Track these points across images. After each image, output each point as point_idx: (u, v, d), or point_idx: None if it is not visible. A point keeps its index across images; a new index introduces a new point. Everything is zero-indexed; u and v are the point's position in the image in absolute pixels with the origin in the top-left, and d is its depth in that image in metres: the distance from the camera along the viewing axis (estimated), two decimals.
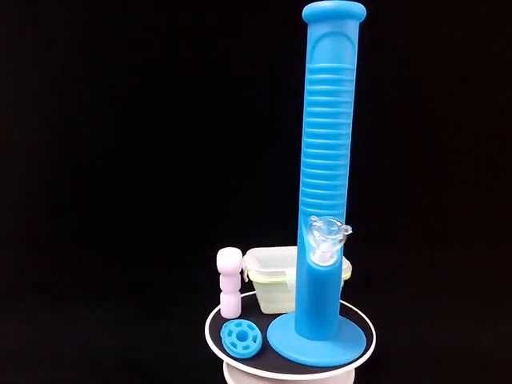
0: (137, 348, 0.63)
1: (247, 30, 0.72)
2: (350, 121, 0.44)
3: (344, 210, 0.47)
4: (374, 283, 0.54)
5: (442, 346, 0.63)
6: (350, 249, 0.59)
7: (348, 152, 0.45)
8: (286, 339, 0.49)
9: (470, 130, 0.74)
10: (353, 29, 0.42)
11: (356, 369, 0.51)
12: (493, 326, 0.67)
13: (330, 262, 0.43)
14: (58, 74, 0.74)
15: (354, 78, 0.43)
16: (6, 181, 0.77)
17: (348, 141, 0.45)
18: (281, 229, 0.58)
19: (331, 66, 0.42)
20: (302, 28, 0.43)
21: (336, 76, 0.42)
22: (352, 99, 0.44)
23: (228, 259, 0.53)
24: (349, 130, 0.44)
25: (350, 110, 0.44)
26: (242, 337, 0.48)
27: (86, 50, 0.73)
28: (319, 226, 0.41)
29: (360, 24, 0.43)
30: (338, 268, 0.45)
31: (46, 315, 0.71)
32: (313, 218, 0.42)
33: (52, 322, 0.69)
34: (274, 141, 0.74)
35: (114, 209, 0.78)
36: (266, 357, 0.47)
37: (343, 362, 0.46)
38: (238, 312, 0.56)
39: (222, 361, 0.53)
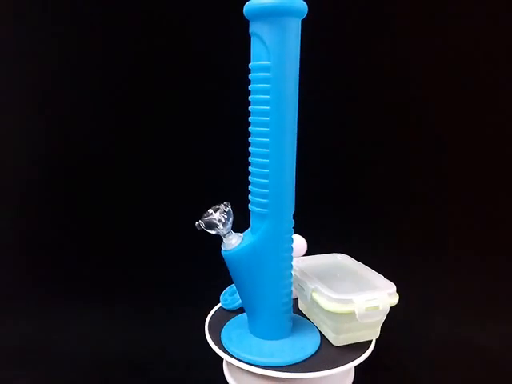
0: (137, 348, 0.63)
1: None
2: (270, 118, 0.43)
3: (285, 209, 0.47)
4: None
5: (442, 346, 0.63)
6: (350, 249, 0.60)
7: (277, 151, 0.44)
8: (235, 335, 0.51)
9: (470, 129, 0.74)
10: (267, 28, 0.41)
11: (356, 368, 0.51)
12: (493, 325, 0.67)
13: (232, 247, 0.47)
14: (58, 74, 0.75)
15: (269, 75, 0.42)
16: (6, 181, 0.77)
17: (268, 139, 0.44)
18: None
19: (251, 65, 0.44)
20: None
21: (253, 75, 0.44)
22: (270, 97, 0.43)
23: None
24: (267, 128, 0.43)
25: (268, 107, 0.43)
26: (232, 293, 0.58)
27: (86, 49, 0.73)
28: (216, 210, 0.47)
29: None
30: (238, 252, 0.47)
31: (46, 315, 0.71)
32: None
33: (52, 322, 0.69)
34: None
35: (113, 208, 0.78)
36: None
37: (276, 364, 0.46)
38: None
39: (222, 360, 0.54)
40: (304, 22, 0.44)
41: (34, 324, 0.69)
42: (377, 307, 0.46)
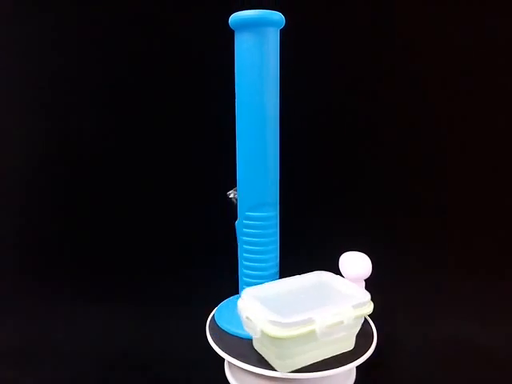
0: (137, 348, 0.63)
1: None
2: (238, 117, 0.51)
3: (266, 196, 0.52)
4: (373, 283, 0.54)
5: (442, 346, 0.63)
6: (349, 249, 0.60)
7: (242, 144, 0.51)
8: (228, 313, 0.55)
9: (470, 129, 0.74)
10: (239, 37, 0.49)
11: (357, 368, 0.51)
12: (493, 325, 0.67)
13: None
14: (58, 74, 0.75)
15: (236, 80, 0.50)
16: (6, 181, 0.77)
17: (237, 134, 0.52)
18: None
19: None
20: None
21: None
22: (237, 99, 0.50)
23: (352, 266, 0.53)
24: (237, 125, 0.51)
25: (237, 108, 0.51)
26: None
27: (86, 50, 0.73)
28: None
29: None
30: (235, 224, 0.54)
31: (46, 315, 0.71)
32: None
33: (52, 322, 0.69)
34: None
35: (113, 208, 0.78)
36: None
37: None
38: None
39: (224, 360, 0.54)
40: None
41: (34, 324, 0.69)
42: (254, 329, 0.42)
